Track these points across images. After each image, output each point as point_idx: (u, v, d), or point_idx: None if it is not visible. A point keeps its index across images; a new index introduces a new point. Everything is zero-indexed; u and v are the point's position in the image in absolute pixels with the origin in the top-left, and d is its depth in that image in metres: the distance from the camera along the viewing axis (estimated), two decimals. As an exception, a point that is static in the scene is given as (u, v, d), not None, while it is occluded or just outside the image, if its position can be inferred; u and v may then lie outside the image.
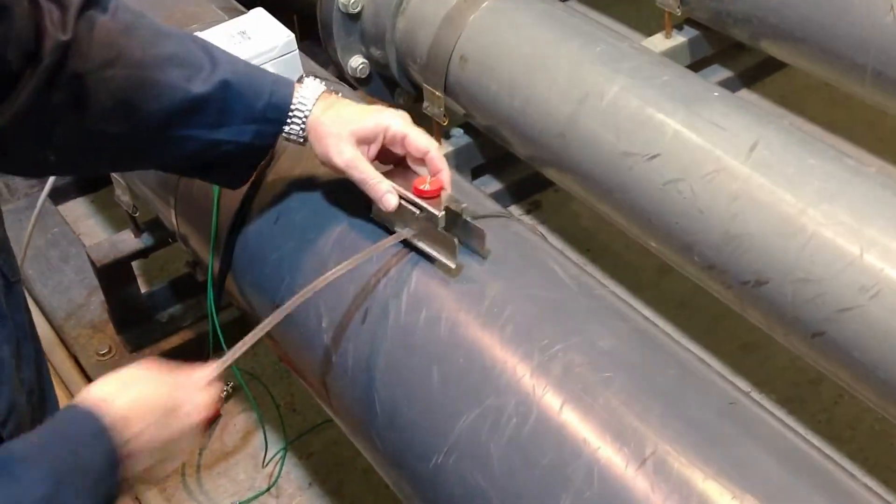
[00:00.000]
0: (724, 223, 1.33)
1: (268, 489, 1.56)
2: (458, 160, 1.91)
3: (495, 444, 0.93)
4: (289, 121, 1.08)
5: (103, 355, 1.73)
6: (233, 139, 1.08)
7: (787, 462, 0.87)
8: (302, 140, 1.10)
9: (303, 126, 1.08)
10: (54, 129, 1.01)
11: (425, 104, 1.83)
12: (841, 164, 1.31)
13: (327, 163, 1.09)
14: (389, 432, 1.04)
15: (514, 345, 0.98)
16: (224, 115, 1.06)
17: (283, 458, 1.59)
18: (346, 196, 1.14)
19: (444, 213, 1.04)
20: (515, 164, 1.89)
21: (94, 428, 0.82)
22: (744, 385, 1.59)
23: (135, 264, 1.75)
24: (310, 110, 1.08)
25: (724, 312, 1.60)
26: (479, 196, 1.24)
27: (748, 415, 0.92)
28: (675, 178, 1.39)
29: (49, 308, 1.83)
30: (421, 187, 1.06)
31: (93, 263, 1.69)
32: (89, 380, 1.71)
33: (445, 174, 1.07)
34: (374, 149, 1.08)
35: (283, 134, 1.09)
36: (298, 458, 1.61)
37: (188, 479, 1.59)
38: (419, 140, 1.08)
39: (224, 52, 1.11)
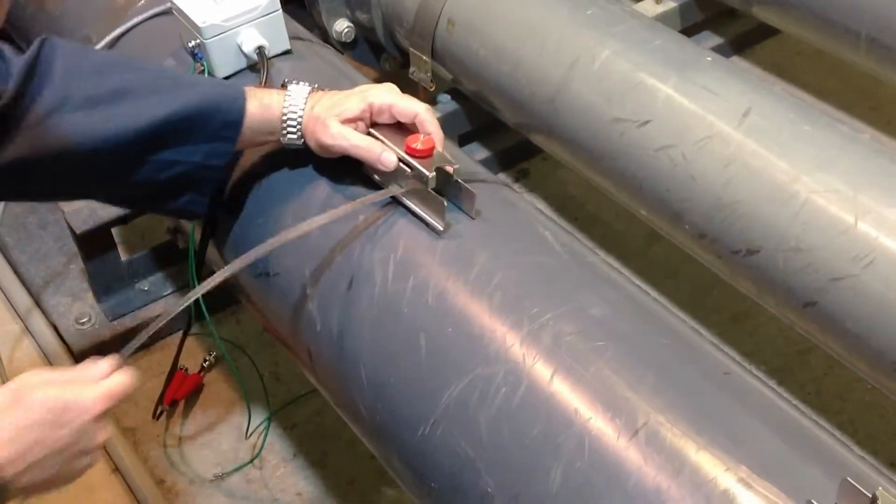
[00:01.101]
0: (716, 190, 1.30)
1: (251, 460, 1.54)
2: (445, 127, 1.81)
3: (484, 414, 0.91)
4: (284, 131, 1.11)
5: (83, 324, 1.70)
6: (184, 159, 1.10)
7: (782, 432, 0.85)
8: (301, 143, 1.12)
9: (299, 132, 1.11)
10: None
11: (412, 69, 1.79)
12: (836, 131, 1.29)
13: (322, 150, 1.10)
14: (376, 402, 1.02)
15: (503, 313, 0.95)
16: (175, 139, 1.08)
17: (267, 428, 1.57)
18: (334, 160, 1.11)
19: (434, 174, 1.02)
20: (503, 131, 1.86)
21: None
22: (733, 356, 1.58)
23: (115, 232, 1.71)
24: (300, 116, 1.10)
25: (713, 282, 1.59)
26: (470, 162, 1.21)
27: (742, 385, 0.91)
28: (666, 145, 1.36)
29: (27, 275, 1.80)
30: (413, 146, 1.04)
31: (72, 230, 1.66)
32: (68, 348, 1.68)
33: (437, 136, 1.07)
34: (363, 126, 1.09)
35: (284, 143, 1.12)
36: (283, 428, 1.59)
37: (170, 449, 1.57)
38: (406, 106, 1.08)
39: (169, 72, 1.12)
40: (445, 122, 1.88)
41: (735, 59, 2.11)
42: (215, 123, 1.09)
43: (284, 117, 1.10)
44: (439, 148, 1.06)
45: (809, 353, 1.58)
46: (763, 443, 0.83)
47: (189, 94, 1.09)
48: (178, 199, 1.16)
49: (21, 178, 1.06)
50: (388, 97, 1.08)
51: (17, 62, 1.03)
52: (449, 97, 1.90)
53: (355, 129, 1.08)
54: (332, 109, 1.08)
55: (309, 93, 1.11)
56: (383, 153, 1.05)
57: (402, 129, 1.09)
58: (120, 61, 1.14)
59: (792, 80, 2.06)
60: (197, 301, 1.30)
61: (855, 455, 0.85)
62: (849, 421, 1.50)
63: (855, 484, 0.72)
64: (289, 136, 1.11)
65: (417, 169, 1.04)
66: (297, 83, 1.12)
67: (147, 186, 1.13)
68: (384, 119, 1.09)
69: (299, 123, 1.10)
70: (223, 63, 1.29)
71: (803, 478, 0.80)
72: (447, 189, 1.05)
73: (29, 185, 1.09)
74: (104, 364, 0.91)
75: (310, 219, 1.03)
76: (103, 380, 0.90)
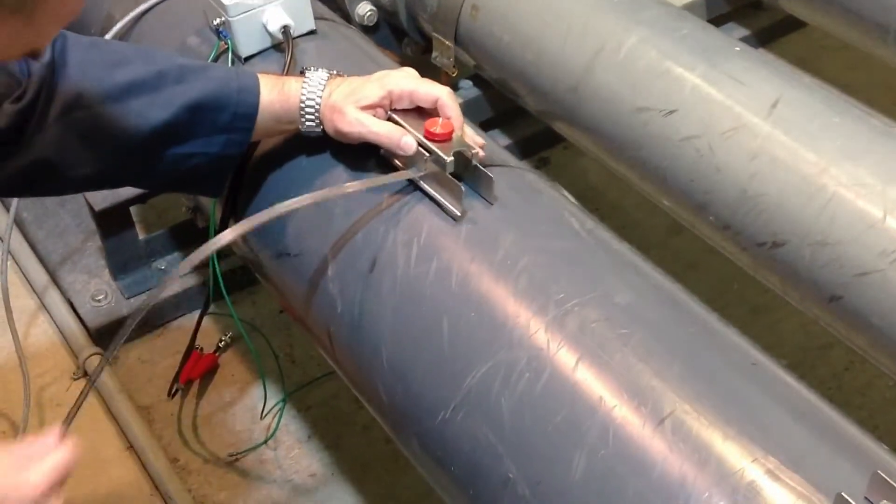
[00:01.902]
0: (742, 182, 1.29)
1: (266, 441, 1.54)
2: (466, 113, 1.82)
3: (506, 399, 0.90)
4: (303, 119, 1.10)
5: (99, 301, 1.69)
6: (201, 151, 1.10)
7: (810, 424, 0.84)
8: (320, 130, 1.10)
9: (317, 119, 1.09)
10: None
11: (434, 54, 1.78)
12: (866, 124, 1.27)
13: (341, 137, 1.09)
14: (396, 385, 1.01)
15: (527, 298, 0.94)
16: (191, 132, 1.08)
17: (282, 410, 1.56)
18: (354, 144, 1.10)
19: (452, 158, 1.02)
20: (525, 118, 1.85)
21: None
22: (752, 349, 1.57)
23: (133, 210, 1.71)
24: (319, 103, 1.09)
25: (734, 275, 1.57)
26: (495, 147, 1.20)
27: (770, 376, 0.90)
28: (692, 135, 1.35)
29: (44, 252, 1.80)
30: (432, 129, 1.03)
31: (90, 208, 1.65)
32: (84, 325, 1.68)
33: (457, 120, 1.05)
34: (382, 113, 1.08)
35: (303, 131, 1.11)
36: (297, 410, 1.59)
37: (185, 429, 1.56)
38: (427, 91, 1.07)
39: (184, 62, 1.11)
40: (467, 109, 1.86)
41: (760, 51, 2.09)
42: (228, 115, 1.08)
43: (303, 105, 1.09)
44: (458, 132, 1.05)
45: (830, 349, 1.57)
46: (791, 434, 0.82)
47: (202, 87, 1.08)
48: (196, 186, 1.18)
49: (40, 176, 1.07)
50: (408, 83, 1.07)
51: (35, 63, 1.02)
52: (471, 83, 1.89)
53: (374, 115, 1.07)
54: (350, 96, 1.07)
55: (327, 79, 1.10)
56: (403, 138, 1.04)
57: (421, 112, 1.08)
58: (131, 52, 1.13)
59: (817, 74, 2.04)
60: (216, 281, 1.30)
61: (884, 448, 0.84)
62: (869, 417, 1.48)
63: (886, 477, 0.71)
64: (307, 123, 1.10)
65: (436, 153, 1.03)
66: (316, 69, 1.11)
67: (165, 177, 1.13)
68: (404, 105, 1.08)
69: (317, 111, 1.09)
70: (248, 42, 1.28)
71: (832, 470, 0.79)
72: (467, 174, 1.04)
73: (47, 182, 1.09)
74: (50, 438, 0.88)
75: (326, 188, 1.03)
76: (49, 454, 0.86)
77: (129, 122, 1.04)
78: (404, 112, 1.08)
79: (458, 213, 1.02)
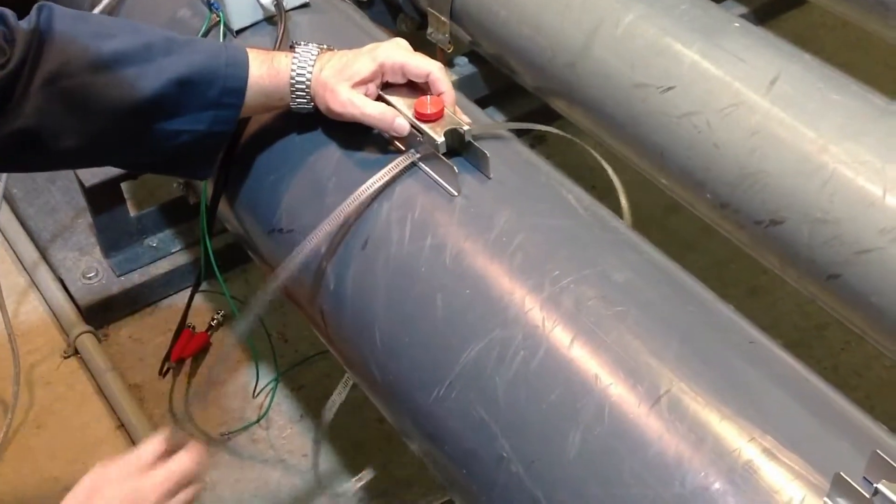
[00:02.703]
0: (741, 159, 1.27)
1: (258, 420, 1.53)
2: (461, 90, 1.82)
3: (501, 377, 0.89)
4: (293, 95, 1.07)
5: (90, 278, 1.68)
6: (189, 128, 1.06)
7: (808, 404, 0.83)
8: (311, 107, 1.08)
9: (307, 96, 1.07)
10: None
11: (429, 30, 1.76)
12: (866, 101, 1.25)
13: (333, 115, 1.07)
14: (389, 363, 1.00)
15: (523, 275, 0.93)
16: (178, 106, 1.05)
17: (275, 389, 1.55)
18: (348, 116, 1.09)
19: (443, 139, 1.01)
20: (521, 95, 1.82)
21: None
22: (749, 329, 1.56)
23: (124, 187, 1.69)
24: (309, 79, 1.06)
25: (731, 255, 1.56)
26: (488, 121, 1.19)
27: (768, 355, 0.88)
28: (690, 112, 1.33)
29: (35, 229, 1.78)
30: (422, 110, 1.02)
31: (81, 184, 1.63)
32: (75, 303, 1.66)
33: (449, 96, 1.04)
34: (374, 88, 1.06)
35: (293, 107, 1.09)
36: (290, 390, 1.58)
37: (176, 408, 1.55)
38: (419, 64, 1.05)
39: (172, 36, 1.08)
40: (462, 86, 1.85)
41: (759, 28, 2.06)
42: (216, 90, 1.06)
43: (293, 81, 1.07)
44: (450, 109, 1.03)
45: (826, 329, 1.56)
46: (789, 414, 0.81)
47: (189, 60, 1.05)
48: (185, 166, 1.15)
49: (24, 147, 1.04)
50: (399, 55, 1.05)
51: (20, 30, 1.00)
52: (466, 60, 1.87)
53: (366, 91, 1.05)
54: (341, 73, 1.05)
55: (317, 54, 1.08)
56: (396, 120, 1.03)
57: (413, 88, 1.07)
58: (119, 25, 1.12)
59: (816, 52, 2.01)
60: (208, 259, 1.29)
61: (882, 428, 0.83)
62: (865, 397, 1.48)
63: (885, 457, 0.70)
64: (298, 101, 1.08)
65: (427, 134, 1.02)
66: (306, 44, 1.09)
67: (152, 155, 1.11)
68: (396, 79, 1.06)
69: (308, 88, 1.07)
70: (240, 14, 1.26)
71: (830, 450, 0.78)
72: (461, 150, 1.03)
73: (32, 154, 1.06)
74: (158, 441, 0.94)
75: (337, 209, 1.01)
76: (168, 461, 0.93)
77: (114, 93, 1.02)
78: (395, 88, 1.07)
79: (454, 192, 1.01)
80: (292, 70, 1.06)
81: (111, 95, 1.02)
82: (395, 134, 1.04)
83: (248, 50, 1.09)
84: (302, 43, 1.10)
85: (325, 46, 1.10)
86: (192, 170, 1.16)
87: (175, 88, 1.04)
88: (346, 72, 1.05)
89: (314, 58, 1.07)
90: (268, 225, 1.15)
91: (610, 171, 1.20)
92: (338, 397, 1.08)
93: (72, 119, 1.03)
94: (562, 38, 1.49)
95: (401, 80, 1.07)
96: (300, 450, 1.50)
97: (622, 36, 1.42)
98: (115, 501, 0.89)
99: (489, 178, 1.02)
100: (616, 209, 1.07)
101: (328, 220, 1.00)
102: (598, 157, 1.24)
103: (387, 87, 1.07)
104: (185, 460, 0.93)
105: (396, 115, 1.03)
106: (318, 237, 1.01)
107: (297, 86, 1.07)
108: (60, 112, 1.02)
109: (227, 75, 1.06)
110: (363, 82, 1.05)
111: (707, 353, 0.86)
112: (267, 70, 1.08)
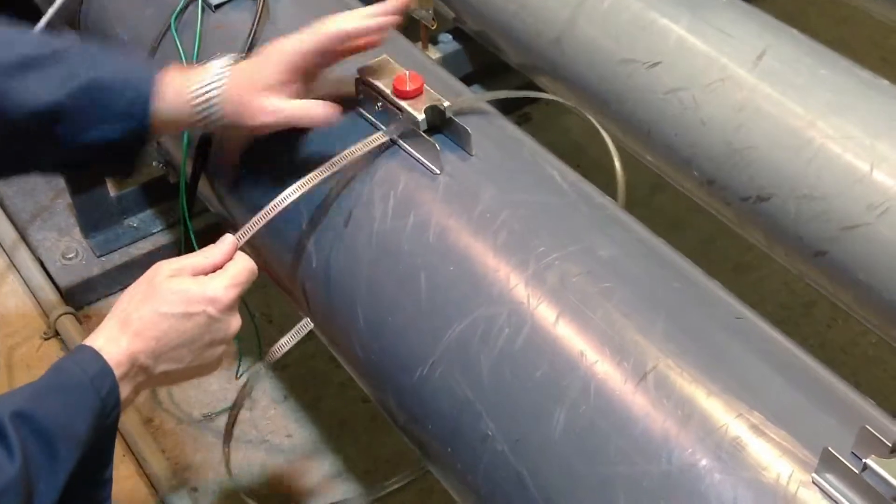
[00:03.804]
0: (727, 135, 1.26)
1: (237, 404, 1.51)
2: (446, 68, 1.81)
3: (485, 355, 0.87)
4: (200, 115, 0.99)
5: (69, 259, 1.66)
6: (102, 138, 0.99)
7: (796, 379, 0.82)
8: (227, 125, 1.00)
9: (219, 115, 0.98)
10: None
11: (412, 7, 1.74)
12: (854, 76, 1.24)
13: (255, 131, 1.01)
14: (372, 342, 0.98)
15: (507, 252, 0.92)
16: (88, 115, 0.98)
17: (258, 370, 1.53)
18: (329, 94, 1.06)
19: (424, 116, 0.99)
20: (507, 73, 1.81)
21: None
22: (735, 307, 1.55)
23: (104, 166, 1.67)
24: (215, 99, 0.97)
25: (718, 232, 1.55)
26: (470, 96, 1.17)
27: (755, 330, 0.87)
28: (676, 87, 1.31)
29: (13, 210, 1.76)
30: (400, 87, 1.00)
31: (59, 163, 1.61)
32: (54, 284, 1.64)
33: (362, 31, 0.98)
34: (299, 87, 0.99)
35: (203, 127, 1.01)
36: (274, 370, 1.56)
37: (158, 390, 1.53)
38: (356, 24, 0.98)
39: (85, 45, 1.04)
40: (446, 63, 1.83)
41: (746, 4, 2.05)
42: (124, 102, 0.98)
43: (196, 100, 0.97)
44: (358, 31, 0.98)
45: (813, 306, 1.56)
46: (776, 389, 0.80)
47: (98, 69, 0.99)
48: (103, 169, 1.13)
49: None
50: (338, 25, 0.97)
51: None
52: (451, 37, 1.84)
53: (290, 91, 0.97)
54: (252, 86, 0.97)
55: (227, 67, 0.99)
56: (325, 112, 0.97)
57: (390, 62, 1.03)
58: (27, 34, 1.07)
59: (803, 28, 2.00)
60: (188, 239, 1.27)
61: (870, 403, 0.82)
62: (852, 374, 1.47)
63: (873, 432, 0.69)
64: (210, 121, 0.99)
65: (407, 111, 0.99)
66: (220, 57, 1.01)
67: (64, 159, 1.05)
68: (353, 48, 1.00)
69: (214, 106, 0.98)
70: (218, -12, 1.23)
71: (818, 425, 0.77)
72: (443, 126, 1.01)
73: None
74: (225, 245, 0.93)
75: (304, 178, 0.96)
76: (228, 267, 0.91)
77: (20, 99, 0.96)
78: (368, 69, 1.03)
79: (437, 170, 0.99)
80: (196, 89, 0.98)
81: (15, 100, 0.96)
82: (329, 125, 0.99)
83: (168, 64, 1.02)
84: (217, 55, 1.03)
85: (243, 55, 1.04)
86: (111, 173, 1.16)
87: (84, 95, 0.98)
88: (258, 82, 0.97)
89: (223, 73, 0.98)
90: (249, 204, 1.13)
91: (605, 135, 1.18)
92: (290, 339, 1.04)
93: None
94: (547, 13, 1.47)
95: (346, 49, 1.00)
96: (284, 430, 1.49)
97: (608, 10, 1.40)
98: (171, 304, 0.87)
99: (471, 156, 1.00)
100: (603, 187, 1.06)
101: (296, 184, 0.95)
102: (594, 122, 1.22)
103: (362, 70, 1.04)
104: (247, 268, 0.92)
105: (323, 104, 0.97)
106: (284, 201, 0.95)
107: (200, 105, 0.98)
108: None
109: (136, 88, 0.99)
110: (301, 72, 0.98)
111: (693, 329, 0.85)
112: (176, 88, 0.99)
